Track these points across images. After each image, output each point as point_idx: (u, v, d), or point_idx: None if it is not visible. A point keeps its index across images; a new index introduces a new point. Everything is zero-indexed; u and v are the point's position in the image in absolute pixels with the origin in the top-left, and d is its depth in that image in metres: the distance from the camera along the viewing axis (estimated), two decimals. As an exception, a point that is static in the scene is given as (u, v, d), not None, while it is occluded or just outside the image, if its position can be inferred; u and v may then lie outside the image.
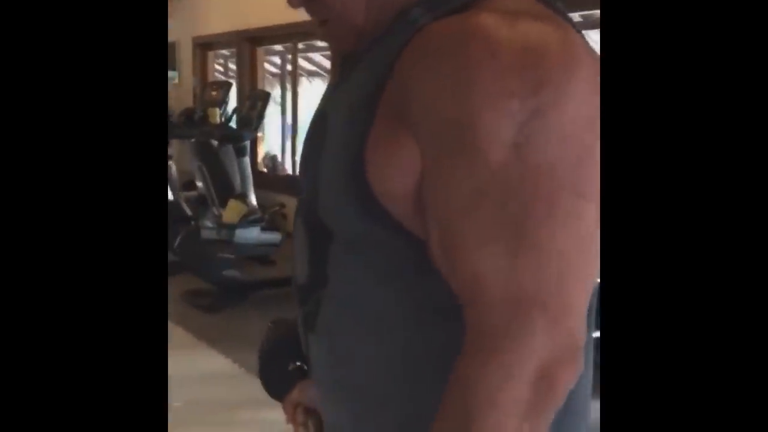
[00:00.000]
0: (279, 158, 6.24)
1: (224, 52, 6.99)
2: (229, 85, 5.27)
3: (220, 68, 7.45)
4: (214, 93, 4.96)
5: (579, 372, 0.60)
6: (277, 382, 0.89)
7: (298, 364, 0.85)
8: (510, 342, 0.58)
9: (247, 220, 4.00)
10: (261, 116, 4.38)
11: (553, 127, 0.57)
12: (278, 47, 6.40)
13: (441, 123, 0.59)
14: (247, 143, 4.49)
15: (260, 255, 4.20)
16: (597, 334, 0.64)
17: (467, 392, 0.59)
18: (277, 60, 7.22)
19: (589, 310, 0.66)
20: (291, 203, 4.61)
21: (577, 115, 0.58)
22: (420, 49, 0.61)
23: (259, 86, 5.74)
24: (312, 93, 7.57)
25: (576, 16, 3.46)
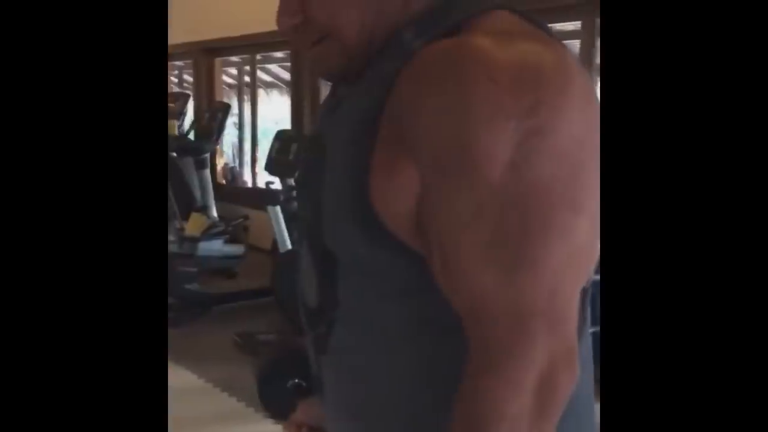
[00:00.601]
0: (238, 170, 6.20)
1: (179, 63, 6.92)
2: (187, 96, 5.23)
3: (174, 79, 7.36)
4: (171, 105, 4.91)
5: (576, 373, 0.63)
6: (277, 401, 0.90)
7: (297, 381, 0.86)
8: (513, 355, 0.60)
9: (209, 233, 3.96)
10: (221, 128, 4.35)
11: (549, 146, 0.59)
12: (235, 58, 6.37)
13: (440, 144, 0.60)
14: (208, 155, 4.45)
15: (223, 268, 4.16)
16: (595, 328, 0.67)
17: (476, 405, 0.61)
18: (233, 71, 7.17)
19: (584, 306, 0.69)
20: (254, 215, 4.58)
21: (572, 134, 0.59)
22: (416, 73, 0.62)
23: (216, 98, 5.70)
24: (270, 104, 7.54)
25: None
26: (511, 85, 0.59)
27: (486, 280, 0.61)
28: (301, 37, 0.73)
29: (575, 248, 0.62)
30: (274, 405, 0.86)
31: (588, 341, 0.76)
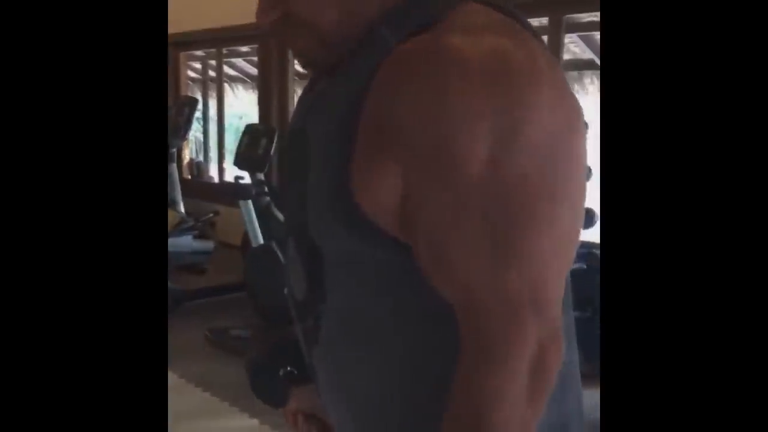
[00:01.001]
0: (204, 165, 6.14)
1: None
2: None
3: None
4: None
5: (562, 351, 0.66)
6: (269, 390, 0.92)
7: (289, 369, 0.87)
8: (507, 340, 0.63)
9: (179, 229, 3.92)
10: (189, 122, 4.30)
11: (525, 140, 0.61)
12: (199, 52, 6.29)
13: (419, 144, 0.62)
14: (175, 150, 4.39)
15: (193, 264, 4.12)
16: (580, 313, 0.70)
17: (474, 391, 0.64)
18: (197, 65, 7.09)
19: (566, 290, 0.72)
20: (223, 211, 4.54)
21: (546, 126, 0.62)
22: (392, 73, 0.64)
23: (181, 92, 5.63)
24: (235, 99, 7.47)
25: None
26: (485, 83, 0.61)
27: (475, 272, 0.63)
28: (281, 31, 0.74)
29: (559, 237, 0.64)
30: (267, 394, 0.87)
31: (570, 317, 0.80)
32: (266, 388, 0.94)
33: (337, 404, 0.79)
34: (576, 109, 0.66)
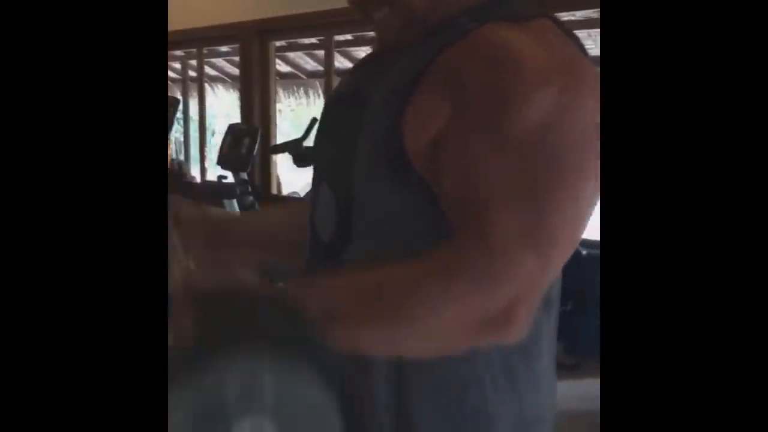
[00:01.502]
0: (185, 164, 6.12)
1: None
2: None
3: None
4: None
5: (530, 314, 0.71)
6: None
7: None
8: (497, 277, 0.69)
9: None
10: (170, 123, 4.30)
11: (568, 120, 0.71)
12: (179, 52, 6.27)
13: (480, 90, 0.71)
14: (157, 151, 4.38)
15: (176, 263, 4.11)
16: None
17: (434, 279, 0.69)
18: (177, 65, 7.06)
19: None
20: (206, 210, 4.54)
21: (585, 116, 0.71)
22: (473, 41, 0.73)
23: (163, 92, 5.60)
24: (216, 99, 7.45)
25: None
26: (555, 68, 0.71)
27: (497, 209, 0.69)
28: (367, 7, 0.82)
29: (576, 211, 0.72)
30: None
31: (556, 320, 0.86)
32: None
33: None
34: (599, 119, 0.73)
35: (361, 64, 0.94)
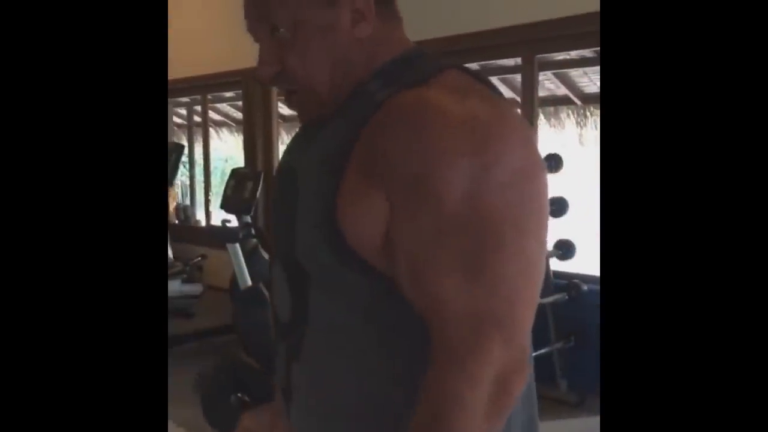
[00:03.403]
0: (191, 209, 6.16)
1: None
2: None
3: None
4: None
5: (526, 377, 0.73)
6: (221, 415, 0.96)
7: (239, 395, 0.92)
8: (473, 353, 0.69)
9: (168, 274, 3.94)
10: (175, 168, 4.35)
11: (496, 179, 0.70)
12: (184, 98, 6.38)
13: (406, 177, 0.71)
14: (162, 196, 4.42)
15: (181, 308, 4.13)
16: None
17: (438, 396, 0.70)
18: (183, 111, 7.17)
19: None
20: (210, 254, 4.57)
21: (514, 169, 0.71)
22: (386, 118, 0.74)
23: (167, 138, 5.68)
24: (220, 142, 7.53)
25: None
26: (464, 131, 0.71)
27: (450, 288, 0.70)
28: (278, 85, 0.84)
29: (525, 265, 0.72)
30: (219, 420, 0.91)
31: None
32: (218, 414, 0.98)
33: (314, 418, 0.84)
34: (537, 158, 0.75)
35: (293, 139, 0.94)
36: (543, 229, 0.74)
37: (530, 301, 0.74)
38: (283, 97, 0.89)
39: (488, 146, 0.71)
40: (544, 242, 0.75)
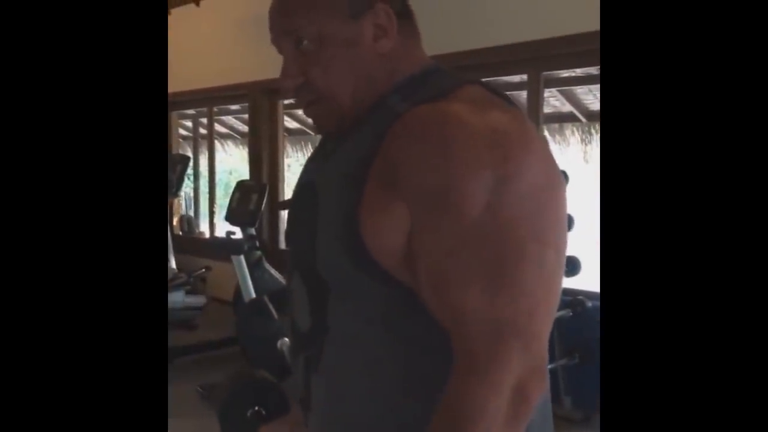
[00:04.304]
0: (194, 220, 6.17)
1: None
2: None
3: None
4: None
5: (545, 386, 0.73)
6: (238, 429, 0.96)
7: (257, 408, 0.92)
8: (493, 363, 0.70)
9: (171, 284, 3.94)
10: (181, 179, 4.37)
11: (516, 190, 0.71)
12: (190, 111, 6.41)
13: (428, 188, 0.72)
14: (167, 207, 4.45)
15: (184, 319, 4.13)
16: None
17: (460, 403, 0.70)
18: (188, 123, 7.20)
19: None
20: (214, 266, 4.57)
21: (534, 181, 0.72)
22: (406, 129, 0.74)
23: (172, 150, 5.72)
24: (225, 155, 7.56)
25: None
26: (485, 143, 0.72)
27: (472, 298, 0.71)
28: (299, 97, 0.84)
29: (546, 276, 0.73)
30: None
31: None
32: (235, 428, 0.98)
33: (331, 429, 0.84)
34: (556, 170, 0.76)
35: (313, 153, 0.95)
36: (562, 240, 0.75)
37: (549, 310, 0.74)
38: (289, 111, 0.90)
39: (509, 158, 0.71)
40: (563, 253, 0.75)
